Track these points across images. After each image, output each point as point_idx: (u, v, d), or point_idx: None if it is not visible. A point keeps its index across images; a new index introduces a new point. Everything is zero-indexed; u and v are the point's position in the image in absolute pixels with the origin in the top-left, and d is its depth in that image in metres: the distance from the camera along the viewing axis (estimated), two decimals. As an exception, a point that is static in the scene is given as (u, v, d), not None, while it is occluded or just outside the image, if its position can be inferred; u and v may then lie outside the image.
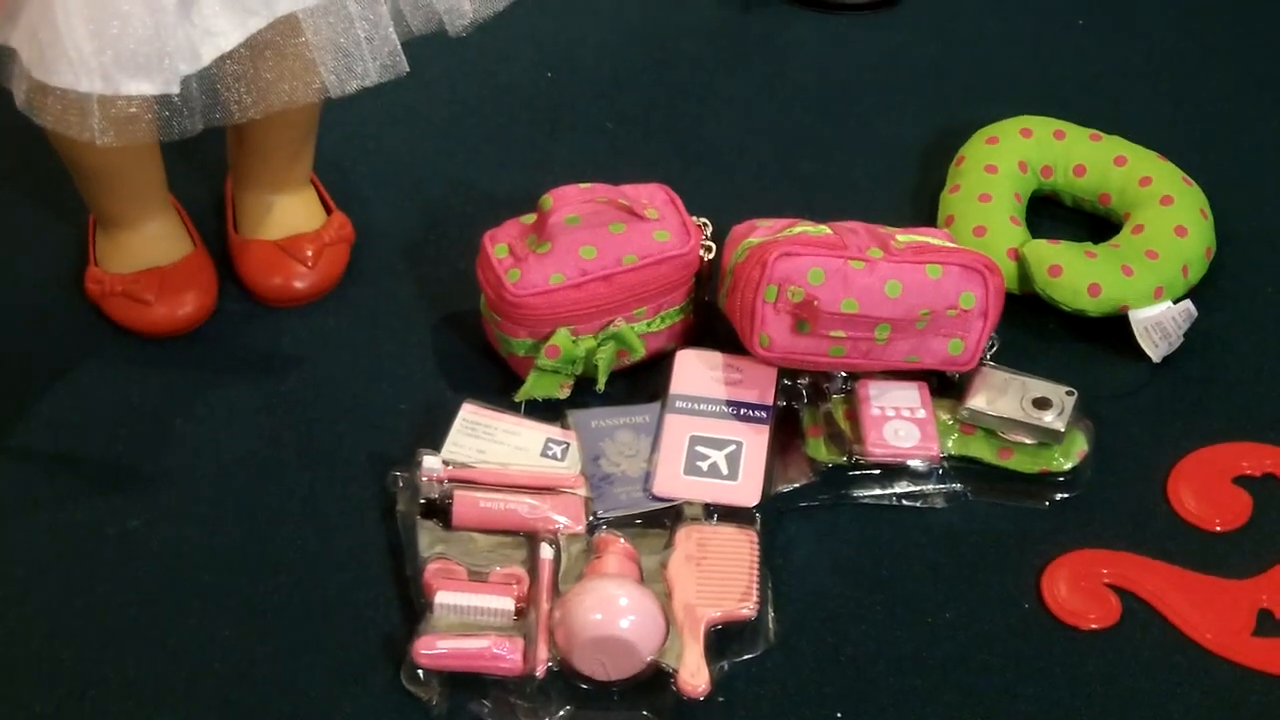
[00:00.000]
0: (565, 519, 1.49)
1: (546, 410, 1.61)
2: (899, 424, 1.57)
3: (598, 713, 1.39)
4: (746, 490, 1.53)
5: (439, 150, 1.95)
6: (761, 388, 1.61)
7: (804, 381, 1.62)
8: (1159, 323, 1.66)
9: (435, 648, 1.39)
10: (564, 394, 1.62)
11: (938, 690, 1.41)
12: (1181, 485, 1.56)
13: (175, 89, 1.35)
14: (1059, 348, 1.70)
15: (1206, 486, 1.56)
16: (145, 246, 1.72)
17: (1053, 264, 1.68)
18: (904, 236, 1.59)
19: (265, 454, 1.59)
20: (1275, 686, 1.42)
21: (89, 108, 1.36)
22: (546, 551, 1.46)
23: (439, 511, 1.49)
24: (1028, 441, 1.57)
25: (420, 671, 1.39)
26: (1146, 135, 1.88)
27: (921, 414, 1.57)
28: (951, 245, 1.59)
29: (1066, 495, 1.56)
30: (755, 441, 1.57)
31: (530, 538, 1.49)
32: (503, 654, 1.39)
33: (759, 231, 1.60)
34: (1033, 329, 1.72)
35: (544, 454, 1.55)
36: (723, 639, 1.43)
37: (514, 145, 1.96)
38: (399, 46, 1.49)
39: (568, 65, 2.09)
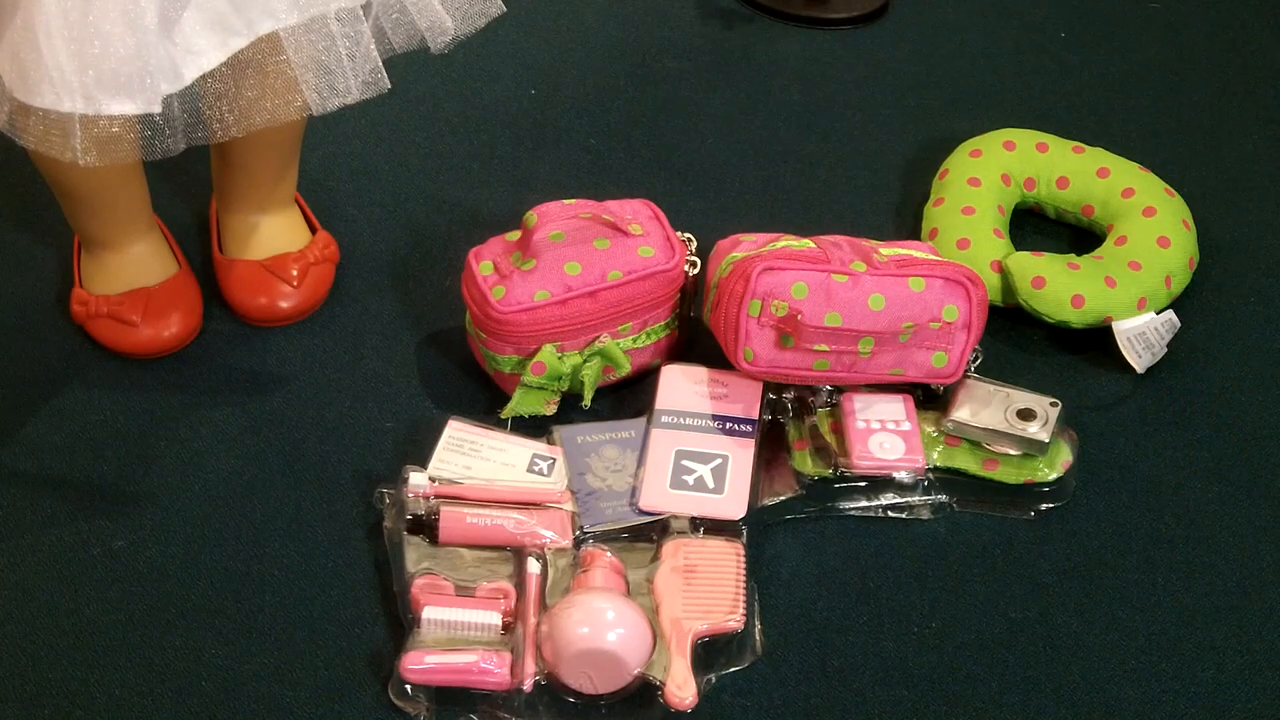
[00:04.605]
0: (552, 534, 1.49)
1: (532, 426, 1.61)
2: (884, 436, 1.57)
3: (585, 727, 1.40)
4: (733, 503, 1.53)
5: (423, 168, 1.95)
6: (747, 402, 1.61)
7: (789, 395, 1.63)
8: (1142, 333, 1.67)
9: (423, 663, 1.39)
10: (550, 410, 1.62)
11: (925, 701, 1.41)
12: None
13: (157, 108, 1.35)
14: (1043, 359, 1.71)
15: None
16: (130, 267, 1.72)
17: (1036, 276, 1.68)
18: (887, 250, 1.59)
19: (251, 473, 1.59)
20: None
21: (71, 128, 1.35)
22: (533, 566, 1.46)
23: (425, 527, 1.49)
24: (1012, 453, 1.57)
25: (408, 687, 1.39)
26: (1129, 147, 1.89)
27: (906, 426, 1.58)
28: (935, 258, 1.59)
29: (1051, 506, 1.56)
30: (741, 455, 1.57)
31: (517, 553, 1.49)
32: (490, 668, 1.39)
33: (743, 246, 1.61)
34: (1016, 341, 1.73)
35: (530, 470, 1.55)
36: (710, 651, 1.43)
37: (498, 162, 1.97)
38: (380, 64, 1.50)
39: (551, 82, 2.09)
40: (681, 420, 1.60)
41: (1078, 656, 1.45)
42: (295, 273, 1.74)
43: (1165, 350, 1.69)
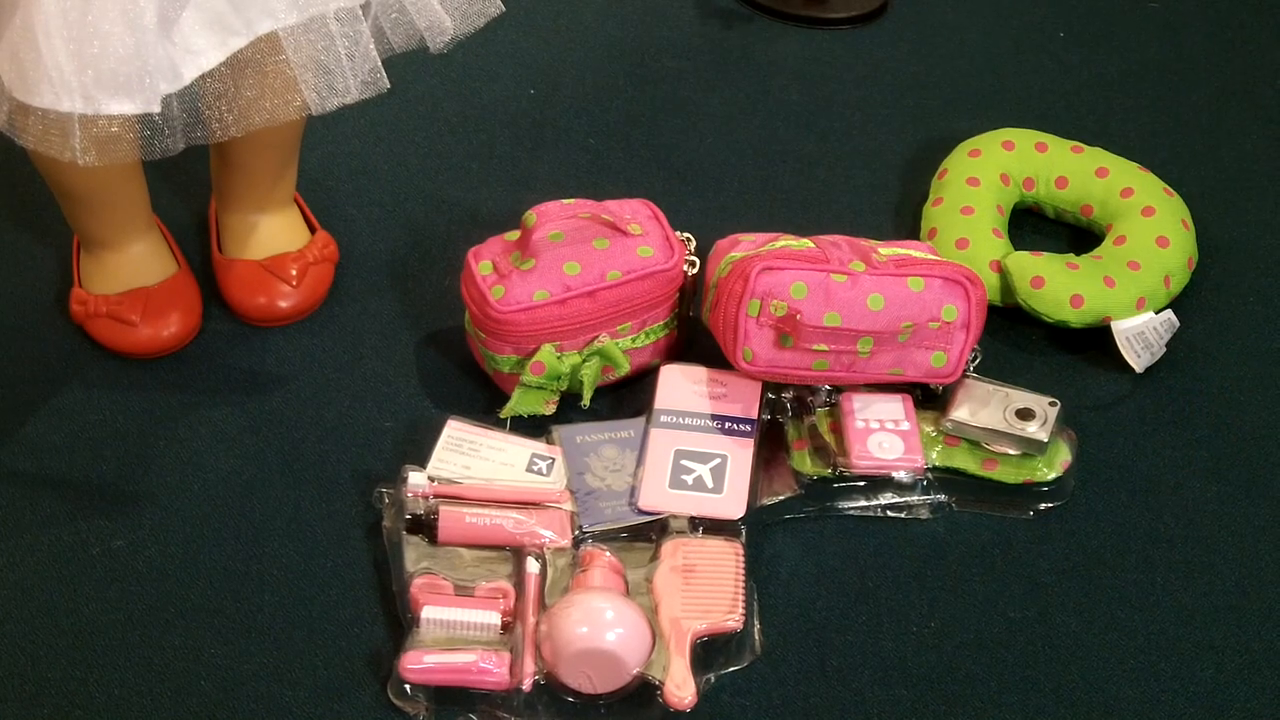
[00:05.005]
0: (551, 533, 1.49)
1: (532, 426, 1.61)
2: (883, 436, 1.57)
3: (584, 727, 1.40)
4: (731, 503, 1.53)
5: (422, 168, 1.95)
6: (746, 401, 1.61)
7: (788, 395, 1.63)
8: (1141, 333, 1.67)
9: (422, 663, 1.39)
10: (549, 410, 1.62)
11: (923, 700, 1.41)
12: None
13: (156, 108, 1.35)
14: (1042, 359, 1.71)
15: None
16: (129, 267, 1.72)
17: (1035, 275, 1.68)
18: (886, 249, 1.59)
19: (250, 473, 1.59)
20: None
21: (70, 128, 1.35)
22: (532, 566, 1.46)
23: (425, 527, 1.49)
24: (1011, 452, 1.57)
25: (407, 686, 1.39)
26: (1128, 146, 1.89)
27: (905, 426, 1.58)
28: (934, 258, 1.60)
29: (1050, 505, 1.56)
30: (740, 455, 1.57)
31: (516, 552, 1.49)
32: (489, 668, 1.39)
33: (742, 246, 1.61)
34: (1015, 341, 1.73)
35: (529, 469, 1.55)
36: (709, 651, 1.43)
37: (497, 162, 1.97)
38: (379, 63, 1.50)
39: (550, 82, 2.09)
40: (680, 420, 1.60)
41: (1077, 656, 1.45)
42: (294, 272, 1.74)
43: (1164, 350, 1.69)
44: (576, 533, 1.51)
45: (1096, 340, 1.69)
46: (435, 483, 1.53)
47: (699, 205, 1.90)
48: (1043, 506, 1.56)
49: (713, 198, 1.92)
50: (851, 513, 1.55)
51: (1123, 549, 1.53)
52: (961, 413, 1.58)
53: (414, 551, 1.48)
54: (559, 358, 1.58)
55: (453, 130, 2.01)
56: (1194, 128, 2.03)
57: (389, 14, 1.51)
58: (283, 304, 1.73)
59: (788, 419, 1.62)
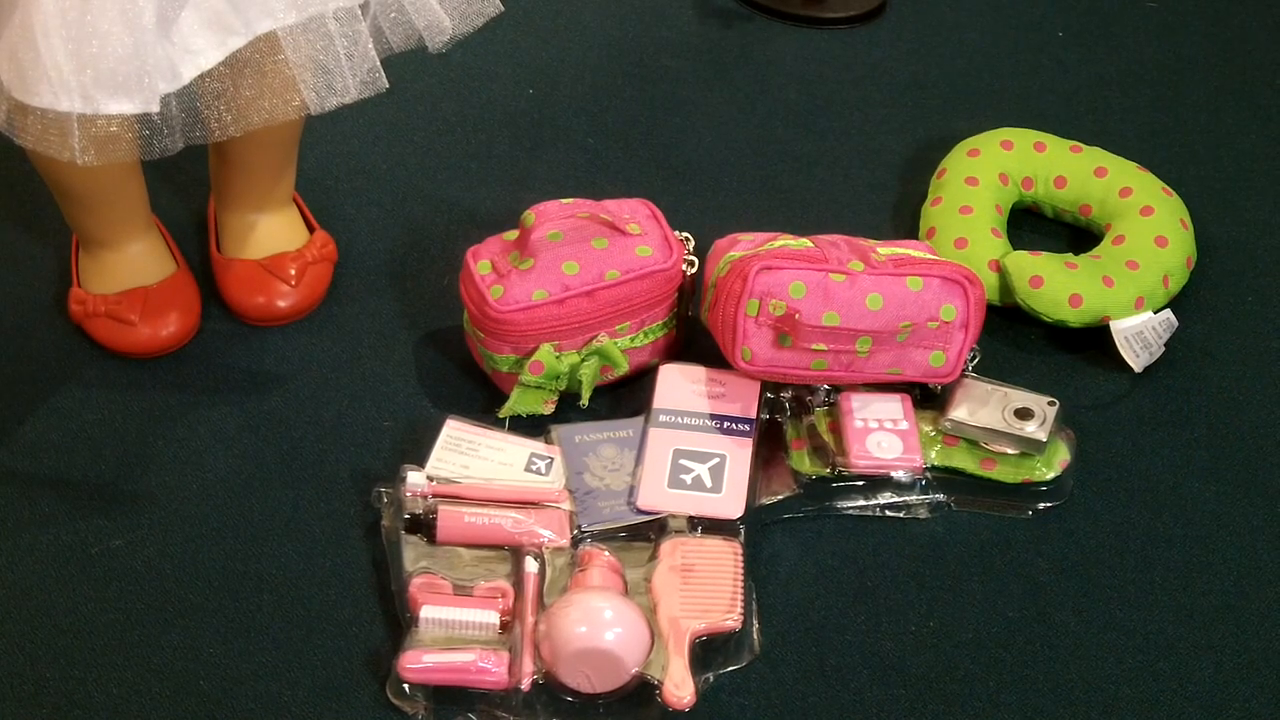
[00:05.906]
0: (550, 533, 1.49)
1: (530, 425, 1.61)
2: (882, 436, 1.57)
3: (583, 726, 1.40)
4: (730, 502, 1.53)
5: (421, 168, 1.95)
6: (744, 401, 1.61)
7: (787, 394, 1.63)
8: (1140, 333, 1.67)
9: (420, 662, 1.39)
10: (548, 409, 1.62)
11: (922, 700, 1.41)
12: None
13: (155, 108, 1.35)
14: (1040, 359, 1.71)
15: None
16: (128, 267, 1.72)
17: (1034, 275, 1.68)
18: (885, 249, 1.59)
19: (249, 472, 1.59)
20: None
21: (69, 127, 1.35)
22: (531, 565, 1.46)
23: (423, 527, 1.49)
24: (1010, 452, 1.57)
25: (406, 686, 1.39)
26: (1127, 146, 1.89)
27: (904, 425, 1.58)
28: (932, 257, 1.60)
29: (1049, 505, 1.56)
30: (739, 454, 1.57)
31: (515, 552, 1.49)
32: (488, 668, 1.39)
33: (741, 245, 1.61)
34: (1014, 340, 1.73)
35: (528, 469, 1.55)
36: (707, 650, 1.43)
37: (496, 162, 1.97)
38: (378, 63, 1.50)
39: (549, 82, 2.09)
40: (679, 419, 1.60)
41: (1075, 656, 1.45)
42: (293, 272, 1.74)
43: (1163, 349, 1.69)
44: (575, 532, 1.51)
45: (1095, 340, 1.70)
46: (434, 482, 1.53)
47: (698, 205, 1.90)
48: (1041, 506, 1.56)
49: (711, 197, 1.92)
50: (850, 512, 1.55)
51: (1121, 548, 1.53)
52: (960, 412, 1.58)
53: (413, 551, 1.48)
54: (558, 357, 1.58)
55: (451, 130, 2.01)
56: (1192, 127, 2.03)
57: (388, 14, 1.51)
58: (281, 303, 1.73)
59: (786, 418, 1.62)
